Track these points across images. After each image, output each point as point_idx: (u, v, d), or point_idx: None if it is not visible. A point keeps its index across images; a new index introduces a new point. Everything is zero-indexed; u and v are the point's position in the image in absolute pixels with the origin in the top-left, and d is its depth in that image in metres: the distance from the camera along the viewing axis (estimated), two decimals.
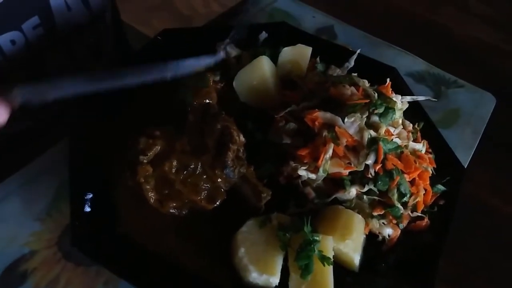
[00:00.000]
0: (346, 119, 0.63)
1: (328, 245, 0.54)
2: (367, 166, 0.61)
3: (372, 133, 0.62)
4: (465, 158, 0.70)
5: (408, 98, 0.71)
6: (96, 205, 0.58)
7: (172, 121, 0.61)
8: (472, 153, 0.71)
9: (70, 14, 0.73)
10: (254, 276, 0.52)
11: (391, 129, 0.64)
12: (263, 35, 0.82)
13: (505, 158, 0.73)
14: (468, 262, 0.58)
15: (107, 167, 0.61)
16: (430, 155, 0.67)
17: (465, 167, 0.68)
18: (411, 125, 0.69)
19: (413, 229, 0.62)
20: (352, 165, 0.61)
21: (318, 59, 0.79)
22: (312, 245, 0.52)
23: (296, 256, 0.53)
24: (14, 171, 0.64)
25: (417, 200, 0.61)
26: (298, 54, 0.76)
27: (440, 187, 0.64)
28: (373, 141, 0.61)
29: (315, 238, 0.53)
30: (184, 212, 0.57)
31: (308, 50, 0.77)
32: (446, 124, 0.75)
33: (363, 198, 0.62)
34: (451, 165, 0.67)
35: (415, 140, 0.67)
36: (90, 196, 0.58)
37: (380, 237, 0.60)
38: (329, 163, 0.61)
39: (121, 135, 0.61)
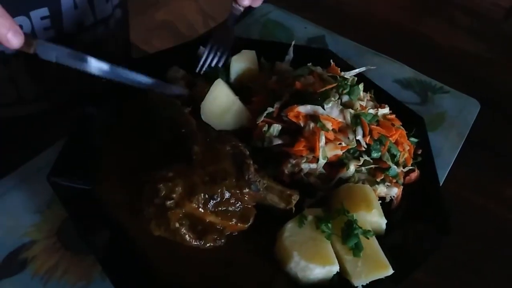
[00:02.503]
0: (325, 106, 0.68)
1: (363, 220, 0.59)
2: (358, 141, 0.67)
3: (351, 111, 0.68)
4: (449, 159, 0.77)
5: (354, 72, 0.79)
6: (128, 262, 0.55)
7: (171, 156, 0.60)
8: (457, 154, 0.77)
9: (76, 12, 0.78)
10: (317, 271, 0.54)
11: (362, 103, 0.71)
12: (201, 49, 0.82)
13: (488, 159, 0.81)
14: (455, 256, 0.66)
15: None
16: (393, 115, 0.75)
17: (450, 167, 0.75)
18: (368, 93, 0.77)
19: (408, 182, 0.70)
20: (345, 144, 0.66)
21: (262, 59, 0.82)
22: (354, 225, 0.57)
23: (344, 239, 0.57)
24: (15, 168, 0.67)
25: (405, 156, 0.69)
26: (247, 59, 0.79)
27: (413, 139, 0.73)
28: (356, 118, 0.68)
29: (354, 217, 0.58)
30: (222, 241, 0.57)
31: (253, 53, 0.80)
32: (432, 126, 0.80)
33: (362, 170, 0.68)
34: (411, 118, 0.77)
35: (378, 107, 0.75)
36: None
37: (388, 199, 0.67)
38: (325, 149, 0.66)
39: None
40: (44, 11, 0.73)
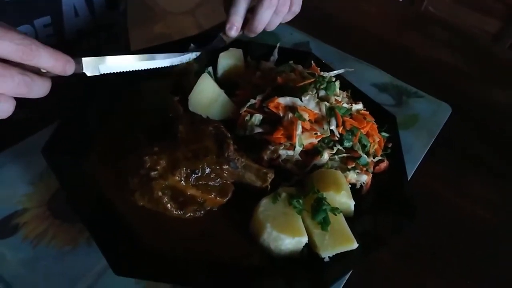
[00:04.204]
0: (303, 99, 0.73)
1: (332, 198, 0.64)
2: (331, 131, 0.72)
3: (327, 104, 0.74)
4: (419, 155, 0.82)
5: (333, 73, 0.85)
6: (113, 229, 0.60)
7: (159, 135, 0.65)
8: (426, 151, 0.83)
9: (77, 19, 0.83)
10: (287, 241, 0.59)
11: (337, 98, 0.77)
12: (192, 47, 0.88)
13: (454, 158, 0.86)
14: (419, 241, 0.70)
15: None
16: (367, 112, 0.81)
17: (419, 162, 0.81)
18: (345, 92, 0.83)
19: (378, 172, 0.75)
20: (320, 134, 0.72)
21: (249, 57, 0.88)
22: (323, 202, 0.62)
23: (313, 214, 0.62)
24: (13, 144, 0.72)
25: (375, 147, 0.75)
26: (234, 56, 0.85)
27: (384, 133, 0.79)
28: (330, 110, 0.73)
29: (323, 195, 0.63)
30: (202, 213, 0.62)
31: (240, 51, 0.86)
32: (405, 126, 0.87)
33: (335, 158, 0.73)
34: (384, 115, 0.83)
35: (353, 103, 0.81)
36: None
37: (358, 185, 0.73)
38: (301, 138, 0.71)
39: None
40: (47, 19, 0.78)
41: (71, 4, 0.81)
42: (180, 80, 0.79)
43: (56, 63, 0.49)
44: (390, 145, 0.79)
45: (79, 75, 0.55)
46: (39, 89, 0.49)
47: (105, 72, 0.58)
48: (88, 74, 0.56)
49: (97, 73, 0.57)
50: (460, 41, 1.21)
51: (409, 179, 0.77)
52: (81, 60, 0.56)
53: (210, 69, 0.83)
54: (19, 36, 0.46)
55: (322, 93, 0.76)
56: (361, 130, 0.74)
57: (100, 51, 0.92)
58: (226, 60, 0.84)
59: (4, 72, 0.45)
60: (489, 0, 2.77)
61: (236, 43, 0.87)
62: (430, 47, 1.16)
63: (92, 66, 0.56)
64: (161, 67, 0.67)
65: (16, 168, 0.68)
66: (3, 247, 0.59)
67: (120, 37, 0.99)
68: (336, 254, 0.61)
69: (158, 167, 0.59)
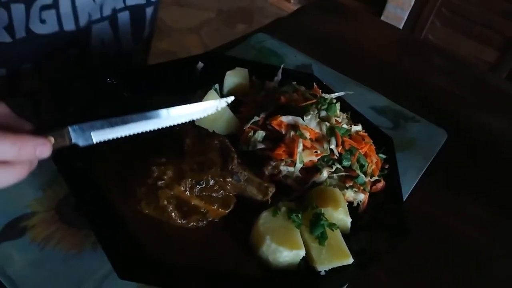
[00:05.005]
0: (304, 118, 0.77)
1: (330, 214, 0.67)
2: (331, 150, 0.75)
3: (327, 124, 0.77)
4: (414, 177, 0.85)
5: (334, 95, 0.88)
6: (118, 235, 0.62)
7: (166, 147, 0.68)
8: (421, 174, 0.86)
9: (103, 49, 0.85)
10: (285, 254, 0.61)
11: (338, 119, 0.80)
12: (200, 65, 0.92)
13: (449, 181, 0.88)
14: (412, 260, 0.72)
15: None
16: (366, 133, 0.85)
17: (414, 184, 0.84)
18: (345, 114, 0.86)
19: (375, 191, 0.78)
20: (320, 152, 0.75)
21: (254, 77, 0.92)
22: (321, 217, 0.65)
23: (311, 229, 0.64)
24: None
25: (373, 167, 0.78)
26: (240, 75, 0.89)
27: (382, 155, 0.82)
28: (330, 130, 0.77)
29: (321, 211, 0.65)
30: (204, 223, 0.64)
31: (246, 71, 0.90)
32: (402, 148, 0.89)
33: (334, 176, 0.76)
34: (381, 138, 0.86)
35: (352, 124, 0.84)
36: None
37: (355, 203, 0.75)
38: (302, 155, 0.74)
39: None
40: (75, 50, 0.82)
41: (99, 38, 0.84)
42: (187, 97, 0.82)
43: (21, 152, 0.43)
44: (387, 166, 0.82)
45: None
46: (5, 179, 0.44)
47: (101, 141, 0.51)
48: (81, 144, 0.50)
49: (90, 143, 0.51)
50: (457, 68, 1.25)
51: (404, 199, 0.80)
52: (67, 130, 0.48)
53: (216, 86, 0.86)
54: None
55: (323, 113, 0.79)
56: (360, 151, 0.77)
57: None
58: (232, 79, 0.87)
59: None
60: (488, 31, 2.85)
61: (242, 63, 0.91)
62: (428, 73, 1.20)
63: (83, 135, 0.50)
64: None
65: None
66: (11, 248, 0.61)
67: (139, 61, 1.02)
68: (332, 268, 0.63)
69: (165, 177, 0.62)
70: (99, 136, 0.51)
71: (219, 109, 0.63)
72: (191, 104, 0.58)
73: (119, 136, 0.52)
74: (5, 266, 0.59)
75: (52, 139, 0.47)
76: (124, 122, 0.52)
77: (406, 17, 3.11)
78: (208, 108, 0.61)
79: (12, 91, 0.80)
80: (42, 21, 0.74)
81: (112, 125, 0.51)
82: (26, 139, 0.44)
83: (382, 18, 3.16)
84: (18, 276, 0.59)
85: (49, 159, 0.66)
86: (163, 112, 0.55)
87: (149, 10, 0.91)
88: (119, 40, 0.89)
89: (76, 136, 0.49)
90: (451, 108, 1.09)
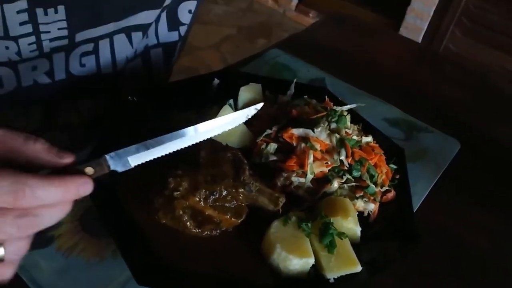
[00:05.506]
0: (315, 130, 0.79)
1: (339, 224, 0.69)
2: (341, 161, 0.78)
3: (337, 136, 0.80)
4: (426, 187, 0.86)
5: (346, 107, 0.91)
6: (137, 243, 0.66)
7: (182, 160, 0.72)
8: (433, 184, 0.87)
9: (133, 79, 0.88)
10: (295, 262, 0.64)
11: (348, 131, 0.83)
12: (216, 81, 0.96)
13: (461, 191, 0.89)
14: (419, 265, 0.73)
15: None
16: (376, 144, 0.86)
17: (426, 194, 0.85)
18: (356, 125, 0.88)
19: (385, 201, 0.80)
20: (330, 163, 0.77)
21: (267, 92, 0.95)
22: (330, 226, 0.67)
23: (320, 237, 0.67)
24: None
25: (383, 177, 0.79)
26: (253, 91, 0.92)
27: (392, 165, 0.84)
28: (340, 141, 0.79)
29: (330, 220, 0.68)
30: (218, 232, 0.68)
31: (259, 86, 0.94)
32: (414, 159, 0.90)
33: (344, 187, 0.78)
34: (392, 148, 0.88)
35: (363, 136, 0.86)
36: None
37: (366, 213, 0.77)
38: (313, 166, 0.77)
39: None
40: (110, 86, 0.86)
41: (130, 72, 0.88)
42: (204, 112, 0.87)
43: (65, 194, 0.44)
44: (397, 177, 0.83)
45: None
46: (51, 219, 0.44)
47: (138, 164, 0.52)
48: (119, 170, 0.51)
49: (128, 167, 0.52)
50: (472, 79, 1.26)
51: (415, 209, 0.81)
52: (105, 159, 0.49)
53: (231, 101, 0.90)
54: (7, 181, 0.40)
55: (333, 125, 0.82)
56: (369, 161, 0.79)
57: None
58: (246, 94, 0.91)
59: None
60: (510, 40, 2.82)
61: (256, 78, 0.95)
62: (443, 85, 1.21)
63: (121, 161, 0.51)
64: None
65: None
66: (39, 256, 0.66)
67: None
68: (341, 276, 0.65)
69: (181, 188, 0.65)
70: (135, 160, 0.52)
71: (250, 116, 0.64)
72: (222, 117, 0.61)
73: (155, 158, 0.54)
74: (33, 273, 0.63)
75: (92, 170, 0.48)
76: (158, 143, 0.53)
77: (426, 28, 3.11)
78: (239, 118, 0.63)
79: (48, 126, 0.84)
80: (82, 65, 0.78)
81: (147, 147, 0.52)
82: (69, 182, 0.44)
83: (402, 29, 3.17)
84: (45, 282, 0.63)
85: None
86: (194, 128, 0.57)
87: (179, 44, 0.95)
88: (150, 72, 0.93)
89: (114, 163, 0.50)
90: (465, 119, 1.10)
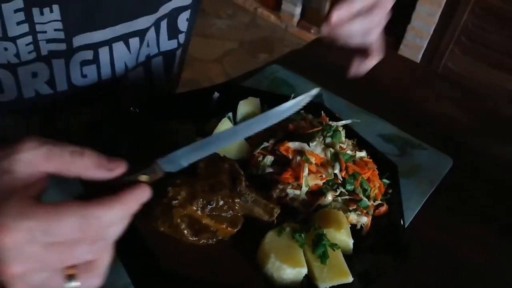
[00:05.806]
0: (310, 144, 0.82)
1: (332, 235, 0.71)
2: (335, 174, 0.80)
3: (332, 150, 0.82)
4: (419, 202, 0.88)
5: (341, 123, 0.94)
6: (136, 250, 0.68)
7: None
8: (426, 198, 0.89)
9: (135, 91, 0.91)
10: (289, 271, 0.66)
11: (342, 145, 0.85)
12: (216, 95, 0.99)
13: (454, 206, 0.91)
14: (412, 277, 0.75)
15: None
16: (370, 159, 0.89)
17: (418, 209, 0.87)
18: (351, 140, 0.91)
19: (378, 215, 0.82)
20: (324, 176, 0.80)
21: (265, 106, 0.98)
22: (323, 237, 0.69)
23: (313, 248, 0.69)
24: None
25: (375, 191, 0.82)
26: (252, 104, 0.95)
27: (385, 180, 0.86)
28: (335, 155, 0.82)
29: (323, 232, 0.70)
30: (214, 240, 0.70)
31: (257, 100, 0.97)
32: (407, 174, 0.93)
33: (338, 200, 0.80)
34: (386, 164, 0.90)
35: (357, 151, 0.89)
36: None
37: (358, 226, 0.79)
38: (308, 179, 0.79)
39: None
40: (111, 95, 0.88)
41: (131, 82, 0.90)
42: (203, 124, 0.89)
43: (128, 210, 0.46)
44: (390, 191, 0.85)
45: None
46: (117, 233, 0.46)
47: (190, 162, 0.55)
48: (173, 170, 0.53)
49: (184, 165, 0.54)
50: (470, 98, 1.28)
51: (408, 224, 0.83)
52: (157, 164, 0.51)
53: (230, 114, 0.92)
54: (74, 216, 0.41)
55: (328, 140, 0.85)
56: (363, 175, 0.81)
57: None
58: (245, 108, 0.94)
59: (65, 253, 0.41)
60: (509, 59, 2.86)
61: (254, 93, 0.98)
62: (439, 103, 1.24)
63: (174, 162, 0.53)
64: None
65: (55, 193, 0.77)
66: None
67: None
68: (333, 286, 0.67)
69: (179, 197, 0.68)
70: (188, 159, 0.55)
71: (304, 104, 0.68)
72: (275, 108, 0.64)
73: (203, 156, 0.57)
74: None
75: (146, 177, 0.49)
76: (209, 142, 0.57)
77: (425, 46, 3.15)
78: (293, 106, 0.67)
79: (47, 132, 0.86)
80: (84, 76, 0.81)
81: (194, 149, 0.55)
82: (129, 197, 0.45)
83: (401, 47, 3.21)
84: None
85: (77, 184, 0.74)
86: (242, 125, 0.63)
87: (178, 52, 0.99)
88: (151, 82, 0.96)
89: (167, 166, 0.52)
90: (459, 137, 1.12)
